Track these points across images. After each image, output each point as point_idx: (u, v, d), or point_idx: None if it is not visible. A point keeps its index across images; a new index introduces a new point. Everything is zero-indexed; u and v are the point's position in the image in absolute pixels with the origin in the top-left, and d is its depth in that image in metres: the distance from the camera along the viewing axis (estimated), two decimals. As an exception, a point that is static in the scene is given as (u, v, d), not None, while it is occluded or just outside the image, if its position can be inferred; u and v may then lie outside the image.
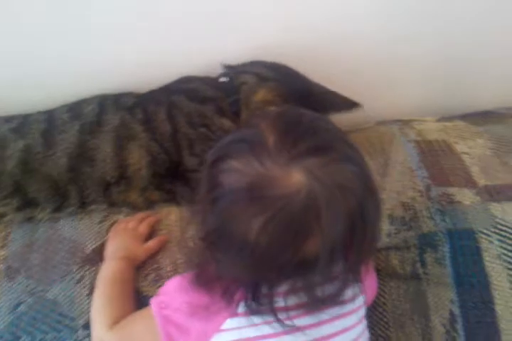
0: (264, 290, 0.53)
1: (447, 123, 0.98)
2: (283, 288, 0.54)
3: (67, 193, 0.80)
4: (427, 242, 0.79)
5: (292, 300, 0.55)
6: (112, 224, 0.80)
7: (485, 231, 0.78)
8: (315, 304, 0.54)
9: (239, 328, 0.56)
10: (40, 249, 0.77)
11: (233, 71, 0.88)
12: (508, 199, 0.80)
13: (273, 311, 0.53)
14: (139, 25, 0.87)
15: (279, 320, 0.54)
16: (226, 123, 0.85)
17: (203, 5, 0.86)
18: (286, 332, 0.55)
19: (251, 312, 0.54)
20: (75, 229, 0.79)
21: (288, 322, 0.54)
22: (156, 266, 0.75)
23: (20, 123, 0.85)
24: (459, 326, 0.76)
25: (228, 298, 0.54)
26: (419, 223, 0.80)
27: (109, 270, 0.72)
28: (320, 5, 0.90)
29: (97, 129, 0.84)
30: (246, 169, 0.50)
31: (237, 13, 0.89)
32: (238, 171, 0.50)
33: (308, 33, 0.92)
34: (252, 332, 0.56)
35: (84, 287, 0.73)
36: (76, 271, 0.74)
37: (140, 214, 0.80)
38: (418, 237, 0.79)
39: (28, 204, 0.80)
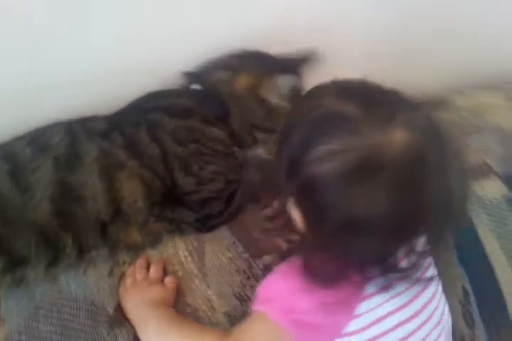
0: (391, 260, 0.53)
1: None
2: (400, 254, 0.54)
3: (60, 242, 0.68)
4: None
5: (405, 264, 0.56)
6: (121, 276, 0.70)
7: (474, 208, 0.85)
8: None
9: (372, 309, 0.55)
10: (51, 315, 0.64)
11: (198, 75, 0.83)
12: (484, 177, 0.89)
13: (407, 276, 0.54)
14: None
15: (415, 280, 0.55)
16: (216, 131, 0.80)
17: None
18: (410, 301, 0.57)
19: (385, 287, 0.54)
20: (83, 285, 0.67)
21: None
22: (189, 309, 0.67)
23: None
24: (472, 299, 0.82)
25: (358, 281, 0.54)
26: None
27: (155, 318, 0.63)
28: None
29: (75, 162, 0.72)
30: (348, 145, 0.48)
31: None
32: (339, 152, 0.48)
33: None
34: (384, 310, 0.56)
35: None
36: (107, 333, 0.63)
37: (141, 261, 0.71)
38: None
39: (15, 263, 0.66)
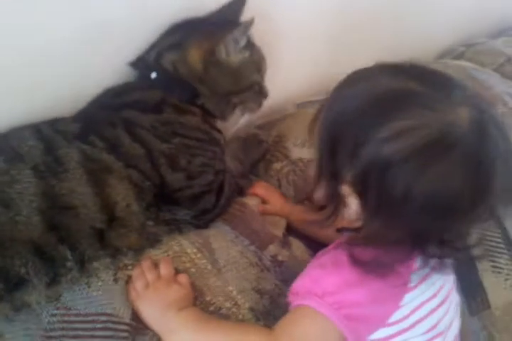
0: (450, 238, 0.53)
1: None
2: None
3: (58, 257, 0.61)
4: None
5: None
6: (128, 280, 0.65)
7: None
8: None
9: (412, 300, 0.56)
10: (65, 336, 0.58)
11: (147, 62, 0.78)
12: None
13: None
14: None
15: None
16: (192, 119, 0.77)
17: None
18: (441, 287, 0.59)
19: (437, 268, 0.54)
20: (91, 299, 0.61)
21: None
22: (212, 307, 0.64)
23: None
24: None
25: (405, 273, 0.54)
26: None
27: (186, 321, 0.60)
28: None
29: (58, 169, 0.66)
30: (422, 121, 0.48)
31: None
32: (415, 127, 0.47)
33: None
34: (421, 298, 0.57)
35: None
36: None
37: (146, 262, 0.66)
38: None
39: (12, 287, 0.58)
